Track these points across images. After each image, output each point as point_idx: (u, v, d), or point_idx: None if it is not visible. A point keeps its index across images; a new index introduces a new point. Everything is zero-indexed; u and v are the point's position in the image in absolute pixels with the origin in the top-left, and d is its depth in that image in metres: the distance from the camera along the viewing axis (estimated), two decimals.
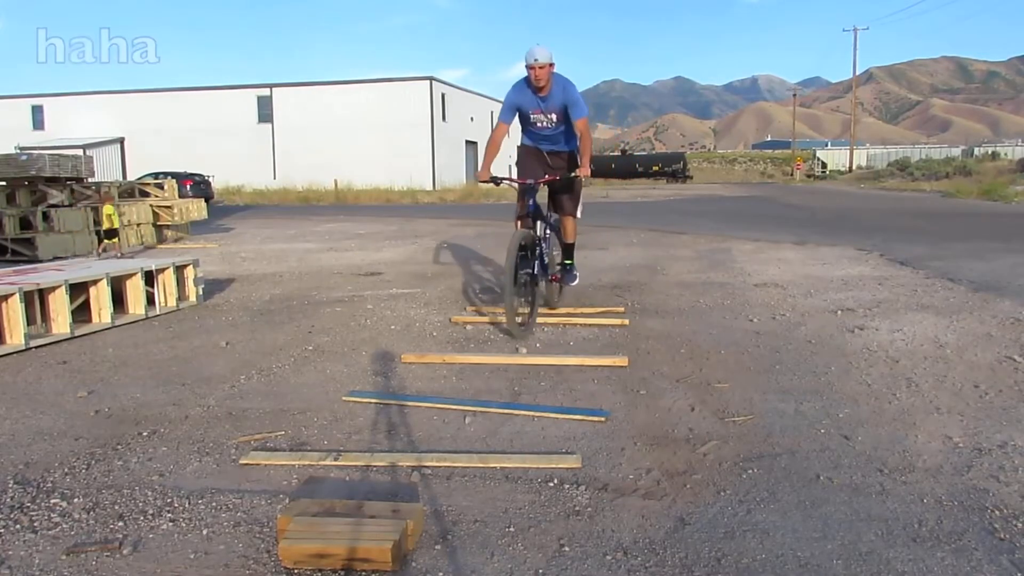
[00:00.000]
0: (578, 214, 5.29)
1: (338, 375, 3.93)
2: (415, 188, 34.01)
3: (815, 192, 32.43)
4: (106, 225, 10.61)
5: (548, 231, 5.17)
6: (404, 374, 3.93)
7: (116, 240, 10.59)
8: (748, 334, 4.67)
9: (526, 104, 4.96)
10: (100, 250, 10.35)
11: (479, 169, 5.03)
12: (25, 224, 10.45)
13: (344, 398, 3.50)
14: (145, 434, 3.06)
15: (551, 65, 4.77)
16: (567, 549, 2.08)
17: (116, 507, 2.38)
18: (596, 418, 3.18)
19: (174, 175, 23.00)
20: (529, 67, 4.74)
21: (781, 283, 6.56)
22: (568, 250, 5.46)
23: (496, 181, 4.94)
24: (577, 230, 5.39)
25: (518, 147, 5.32)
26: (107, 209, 10.67)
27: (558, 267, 5.51)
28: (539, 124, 5.03)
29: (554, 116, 4.96)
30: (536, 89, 4.84)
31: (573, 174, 4.98)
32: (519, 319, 4.62)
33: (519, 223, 4.90)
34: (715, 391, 3.52)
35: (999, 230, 11.60)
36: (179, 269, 6.03)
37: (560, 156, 5.21)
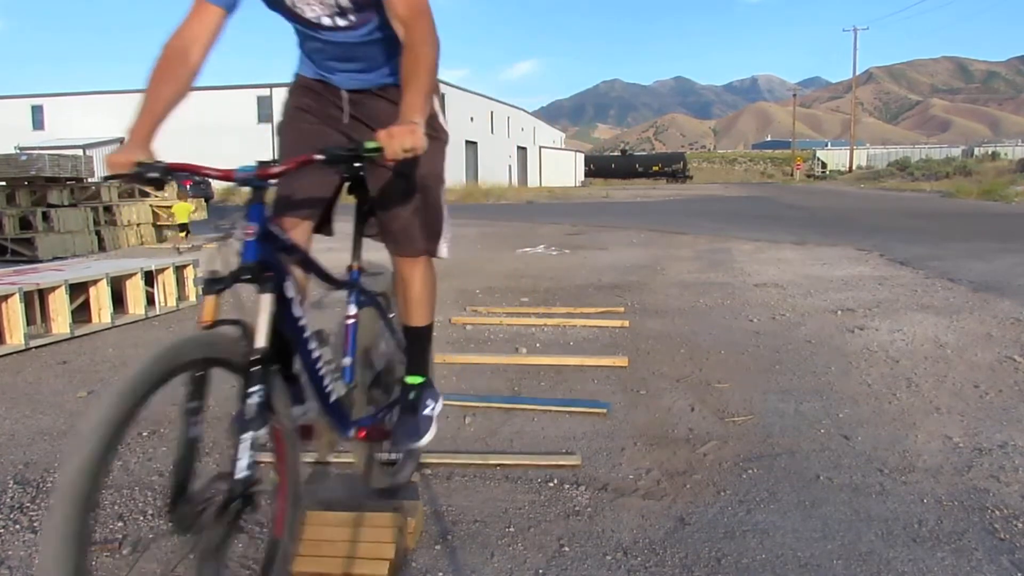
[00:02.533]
0: (443, 251, 2.20)
1: None
2: None
3: (815, 192, 32.45)
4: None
5: (351, 300, 2.11)
6: None
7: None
8: (748, 334, 4.67)
9: None
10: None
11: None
12: (25, 224, 10.45)
13: None
14: (145, 434, 3.06)
15: None
16: (567, 549, 2.08)
17: (116, 507, 2.37)
18: (598, 410, 3.20)
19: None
20: None
21: (781, 283, 6.56)
22: (417, 347, 2.25)
23: (153, 177, 1.68)
24: (435, 299, 2.28)
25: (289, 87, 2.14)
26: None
27: (379, 404, 2.23)
28: (311, 16, 1.90)
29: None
30: None
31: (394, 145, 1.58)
32: None
33: (208, 307, 1.53)
34: (715, 391, 3.52)
35: (999, 230, 11.60)
36: (179, 269, 6.03)
37: (384, 100, 2.03)
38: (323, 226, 2.09)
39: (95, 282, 5.25)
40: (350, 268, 2.13)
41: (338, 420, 1.94)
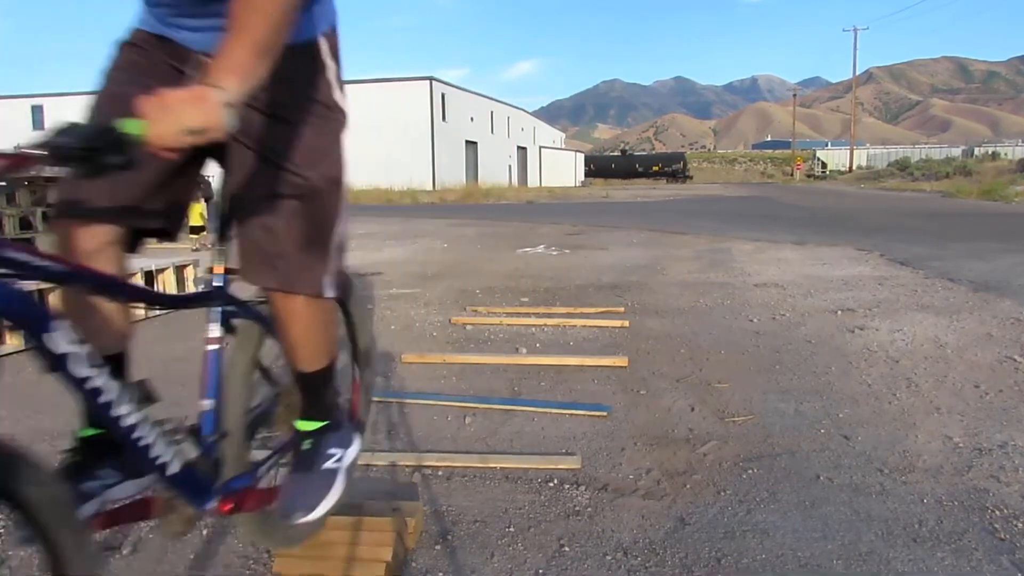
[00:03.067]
0: (327, 288, 1.49)
1: None
2: (415, 188, 34.02)
3: (815, 192, 32.44)
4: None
5: (214, 319, 1.57)
6: (404, 374, 3.93)
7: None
8: (748, 334, 4.67)
9: None
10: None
11: None
12: (25, 224, 10.45)
13: None
14: None
15: None
16: (567, 549, 2.08)
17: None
18: (599, 413, 3.20)
19: None
20: None
21: (781, 283, 6.56)
22: (312, 390, 1.62)
23: None
24: (333, 334, 1.63)
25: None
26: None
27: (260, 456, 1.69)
28: None
29: None
30: None
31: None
32: None
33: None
34: (715, 391, 3.52)
35: (999, 230, 11.60)
36: (179, 269, 6.03)
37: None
38: (166, 229, 1.51)
39: None
40: (211, 272, 1.57)
41: (189, 491, 1.39)
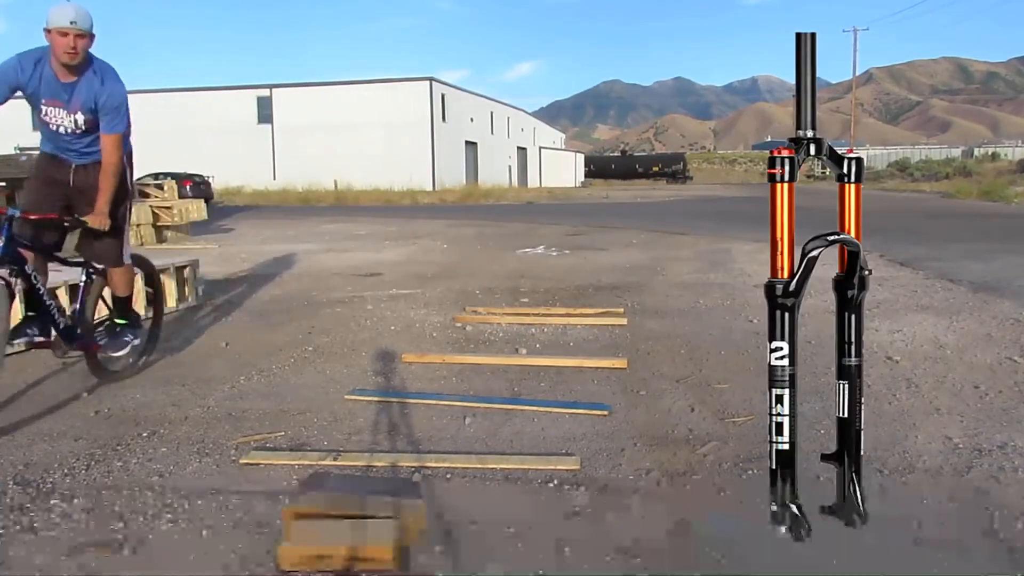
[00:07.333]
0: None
1: (338, 375, 3.93)
2: (415, 189, 34.01)
3: (815, 193, 32.40)
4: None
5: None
6: (405, 374, 3.93)
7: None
8: (748, 334, 4.67)
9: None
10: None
11: None
12: None
13: (347, 396, 3.51)
14: (145, 435, 3.06)
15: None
16: (567, 549, 2.08)
17: (116, 508, 2.38)
18: (599, 411, 3.20)
19: (174, 176, 22.99)
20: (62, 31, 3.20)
21: None
22: (121, 304, 3.87)
23: None
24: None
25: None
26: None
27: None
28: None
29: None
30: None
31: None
32: None
33: None
34: (715, 391, 3.53)
35: (999, 231, 11.60)
36: (179, 270, 6.02)
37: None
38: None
39: None
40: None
41: (68, 339, 3.60)
